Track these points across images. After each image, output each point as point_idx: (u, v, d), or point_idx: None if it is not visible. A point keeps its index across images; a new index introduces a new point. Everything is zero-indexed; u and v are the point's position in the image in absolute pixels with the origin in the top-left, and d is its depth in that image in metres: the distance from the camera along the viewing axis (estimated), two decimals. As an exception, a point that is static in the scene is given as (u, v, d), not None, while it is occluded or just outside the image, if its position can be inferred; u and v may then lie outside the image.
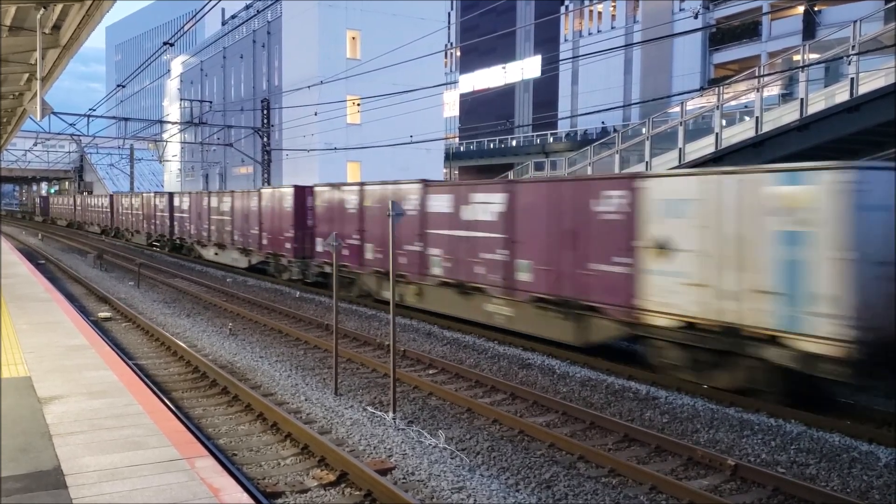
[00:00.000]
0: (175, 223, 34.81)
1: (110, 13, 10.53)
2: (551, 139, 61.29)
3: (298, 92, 38.57)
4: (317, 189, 21.41)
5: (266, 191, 25.10)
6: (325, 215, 20.51)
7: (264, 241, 24.79)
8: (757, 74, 23.02)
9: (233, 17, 57.71)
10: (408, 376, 11.33)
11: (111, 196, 48.38)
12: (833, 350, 8.69)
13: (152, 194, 38.86)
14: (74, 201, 62.84)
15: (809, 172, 9.14)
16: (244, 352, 13.25)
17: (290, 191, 23.08)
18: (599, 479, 7.52)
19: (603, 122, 54.94)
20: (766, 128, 19.54)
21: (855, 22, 17.76)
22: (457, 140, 71.25)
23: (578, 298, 12.25)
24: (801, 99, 18.67)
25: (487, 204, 14.37)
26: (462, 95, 74.52)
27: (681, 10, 51.80)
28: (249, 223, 26.01)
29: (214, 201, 29.72)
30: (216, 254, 29.66)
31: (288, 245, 23.12)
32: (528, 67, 67.10)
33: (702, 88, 39.21)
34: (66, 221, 65.57)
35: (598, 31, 60.63)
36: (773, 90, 26.29)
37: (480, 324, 15.10)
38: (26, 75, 15.76)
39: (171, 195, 35.60)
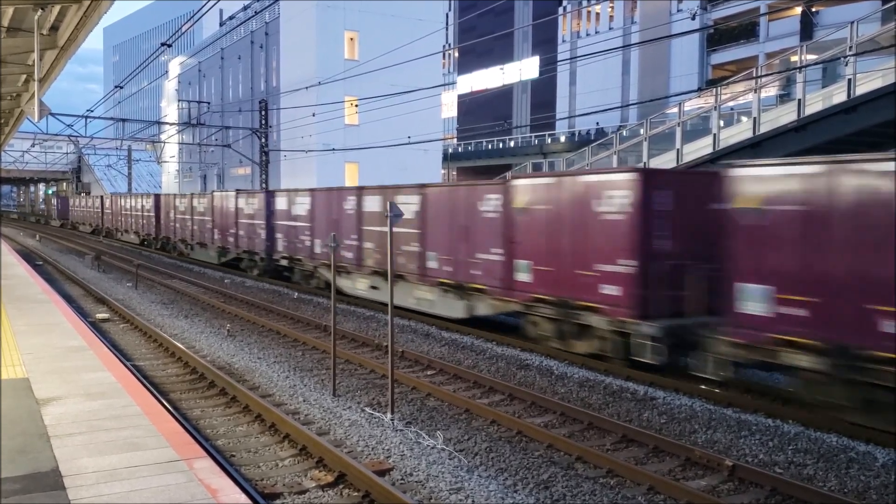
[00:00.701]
0: (278, 236, 23.51)
1: (108, 14, 10.53)
2: (549, 140, 61.35)
3: (296, 93, 38.58)
4: (753, 172, 9.66)
5: (531, 183, 13.68)
6: (798, 231, 8.99)
7: (524, 278, 13.45)
8: (755, 75, 23.08)
9: (231, 18, 57.66)
10: (406, 377, 11.34)
11: (156, 197, 38.46)
12: None
13: (232, 194, 27.74)
14: (102, 203, 51.54)
15: None
16: (242, 353, 13.25)
17: (627, 180, 11.56)
18: (597, 479, 7.53)
19: (598, 123, 55.02)
20: (763, 128, 19.60)
21: (852, 23, 17.82)
22: (455, 141, 71.28)
23: None
24: (799, 100, 18.73)
25: None
26: (460, 96, 74.63)
27: (678, 10, 51.89)
28: (475, 241, 14.79)
29: (372, 203, 17.99)
30: (373, 287, 18.36)
31: (613, 290, 11.59)
32: (525, 68, 67.24)
33: (700, 89, 39.26)
34: (90, 227, 55.48)
35: (596, 32, 60.73)
36: (771, 91, 26.34)
37: (479, 325, 15.05)
38: (24, 76, 15.76)
39: (269, 195, 24.27)
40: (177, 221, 34.33)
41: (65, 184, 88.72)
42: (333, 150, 37.90)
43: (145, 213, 39.57)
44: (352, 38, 44.39)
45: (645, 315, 11.03)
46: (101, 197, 52.94)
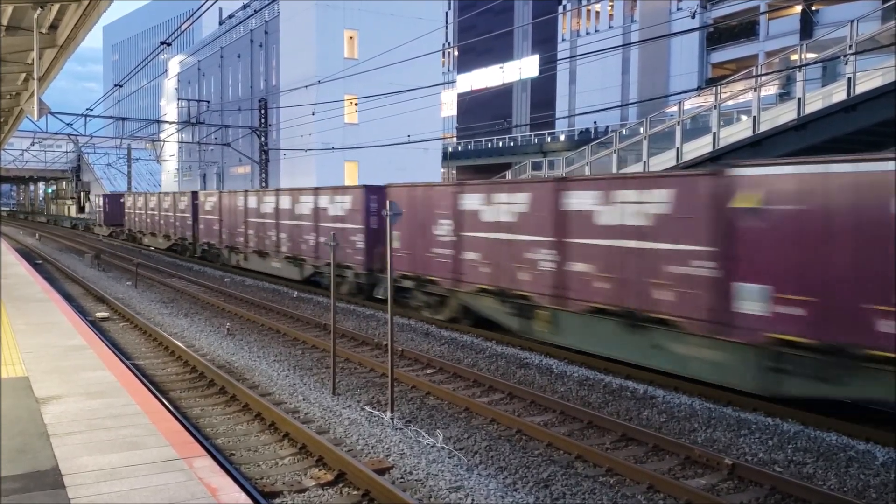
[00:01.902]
0: None
1: (107, 13, 10.54)
2: (549, 139, 61.34)
3: (296, 92, 38.56)
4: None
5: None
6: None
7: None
8: (754, 74, 23.08)
9: (230, 16, 57.64)
10: (406, 376, 11.33)
11: (370, 191, 19.20)
12: None
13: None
14: (195, 205, 31.59)
15: None
16: (242, 351, 13.24)
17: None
18: (597, 478, 7.53)
19: (595, 122, 55.08)
20: (763, 127, 19.60)
21: (852, 21, 17.81)
22: (454, 140, 71.25)
23: None
24: (799, 98, 18.72)
25: None
26: (460, 95, 74.54)
27: (678, 9, 51.87)
28: None
29: None
30: None
31: None
32: (525, 67, 67.20)
33: (699, 88, 39.25)
34: (166, 239, 36.18)
35: (596, 31, 60.70)
36: (771, 90, 26.34)
37: (479, 324, 15.08)
38: (23, 75, 15.75)
39: None
40: (468, 245, 14.87)
41: (64, 182, 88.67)
42: (333, 148, 37.89)
43: (319, 223, 20.70)
44: (351, 37, 44.38)
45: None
46: (195, 194, 32.49)
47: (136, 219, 42.46)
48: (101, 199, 52.01)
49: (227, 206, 28.16)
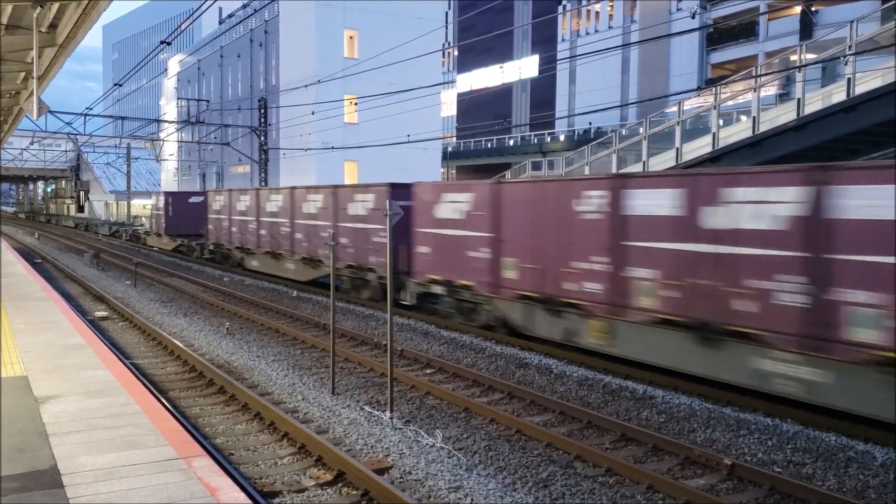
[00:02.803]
0: None
1: (107, 12, 10.55)
2: (549, 139, 61.34)
3: (296, 91, 38.53)
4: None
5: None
6: None
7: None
8: (754, 74, 23.08)
9: (230, 16, 57.62)
10: (405, 376, 11.33)
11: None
12: None
13: None
14: (427, 211, 15.81)
15: None
16: (241, 351, 13.24)
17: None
18: (596, 478, 7.53)
19: (590, 123, 55.18)
20: (763, 127, 19.58)
21: (852, 22, 17.81)
22: (454, 139, 71.26)
23: None
24: (798, 99, 18.72)
25: None
26: (459, 95, 74.58)
27: (678, 9, 51.91)
28: None
29: None
30: None
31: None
32: (525, 67, 67.27)
33: (699, 88, 39.25)
34: (312, 266, 21.76)
35: (596, 31, 60.74)
36: (771, 90, 26.35)
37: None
38: (23, 74, 15.75)
39: None
40: None
41: (64, 182, 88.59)
42: (333, 148, 37.88)
43: None
44: (351, 37, 44.38)
45: None
46: (395, 188, 17.70)
47: (235, 228, 27.93)
48: (163, 198, 36.52)
49: (519, 210, 13.49)
